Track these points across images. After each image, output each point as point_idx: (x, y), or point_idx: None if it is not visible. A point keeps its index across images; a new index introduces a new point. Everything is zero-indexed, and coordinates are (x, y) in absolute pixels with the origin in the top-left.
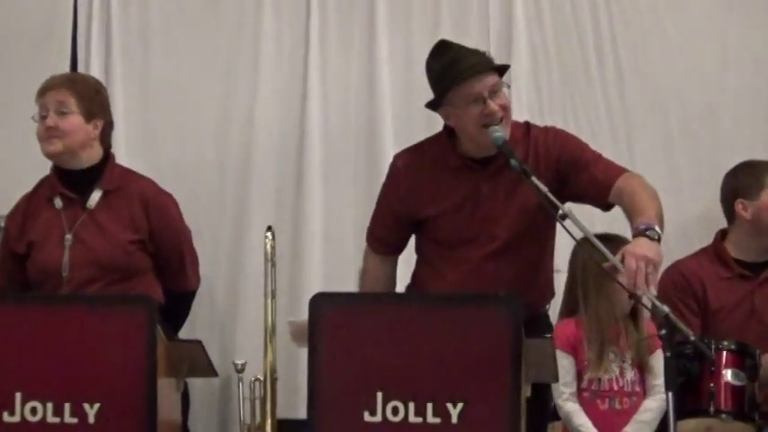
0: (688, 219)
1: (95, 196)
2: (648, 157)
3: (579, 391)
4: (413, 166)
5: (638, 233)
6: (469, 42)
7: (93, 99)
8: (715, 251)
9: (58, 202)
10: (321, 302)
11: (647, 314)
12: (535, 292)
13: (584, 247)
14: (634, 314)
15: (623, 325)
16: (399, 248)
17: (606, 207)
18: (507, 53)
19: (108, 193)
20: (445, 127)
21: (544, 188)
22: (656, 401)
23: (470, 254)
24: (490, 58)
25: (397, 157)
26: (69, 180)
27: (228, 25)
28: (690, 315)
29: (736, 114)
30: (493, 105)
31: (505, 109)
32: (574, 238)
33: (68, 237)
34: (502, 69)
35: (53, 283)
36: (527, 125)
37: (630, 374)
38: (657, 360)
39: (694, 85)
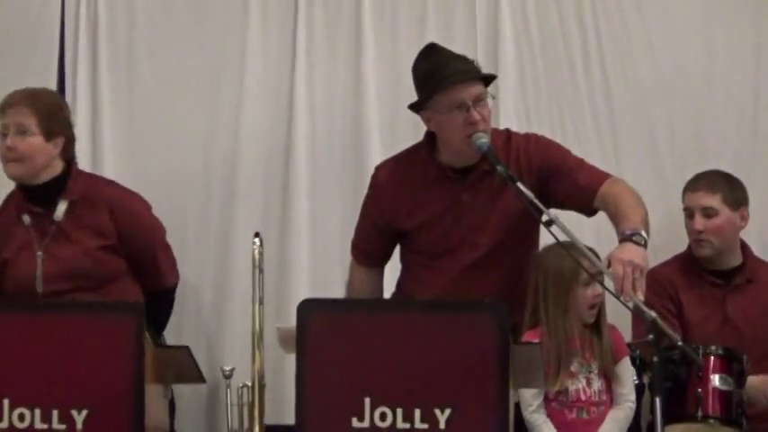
0: (674, 223)
1: (61, 208)
2: (634, 162)
3: (547, 401)
4: (394, 178)
5: (624, 238)
6: (456, 49)
7: (54, 117)
8: (687, 258)
9: (27, 219)
10: (309, 308)
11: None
12: (519, 299)
13: (570, 251)
14: (598, 324)
15: (587, 335)
16: (384, 259)
17: (591, 212)
18: (494, 59)
19: (74, 203)
20: (426, 136)
21: (530, 194)
22: (623, 411)
23: (453, 264)
24: (478, 67)
25: (378, 168)
26: (34, 195)
27: (215, 34)
28: (671, 318)
29: (722, 120)
30: (475, 114)
31: (486, 120)
32: (560, 243)
33: (39, 253)
34: (488, 79)
35: (28, 298)
36: (508, 133)
37: (597, 384)
38: (624, 369)
39: (680, 91)
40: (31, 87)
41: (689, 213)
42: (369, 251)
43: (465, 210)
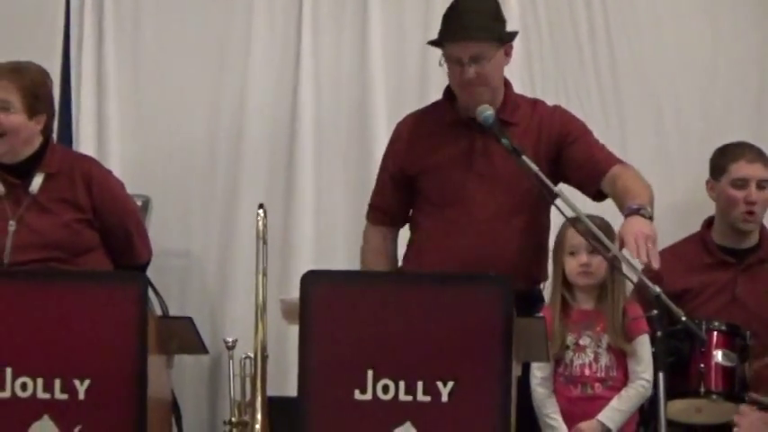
0: (678, 201)
1: (37, 180)
2: (639, 139)
3: (556, 375)
4: (413, 127)
5: (631, 212)
6: None
7: (38, 93)
8: (700, 238)
9: (0, 189)
10: (312, 280)
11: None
12: (527, 263)
13: (575, 226)
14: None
15: (602, 308)
16: (398, 217)
17: (596, 192)
18: None
19: (50, 176)
20: (448, 85)
21: (535, 167)
22: (634, 389)
23: (465, 215)
24: (488, 22)
25: (400, 122)
26: (10, 168)
27: (221, 5)
28: None
29: (727, 97)
30: (468, 73)
31: (483, 77)
32: (566, 217)
33: (12, 223)
34: (504, 36)
35: None
36: (535, 102)
37: (605, 360)
38: (640, 346)
39: (686, 69)
40: (16, 61)
41: (741, 184)
42: (384, 206)
43: (478, 157)
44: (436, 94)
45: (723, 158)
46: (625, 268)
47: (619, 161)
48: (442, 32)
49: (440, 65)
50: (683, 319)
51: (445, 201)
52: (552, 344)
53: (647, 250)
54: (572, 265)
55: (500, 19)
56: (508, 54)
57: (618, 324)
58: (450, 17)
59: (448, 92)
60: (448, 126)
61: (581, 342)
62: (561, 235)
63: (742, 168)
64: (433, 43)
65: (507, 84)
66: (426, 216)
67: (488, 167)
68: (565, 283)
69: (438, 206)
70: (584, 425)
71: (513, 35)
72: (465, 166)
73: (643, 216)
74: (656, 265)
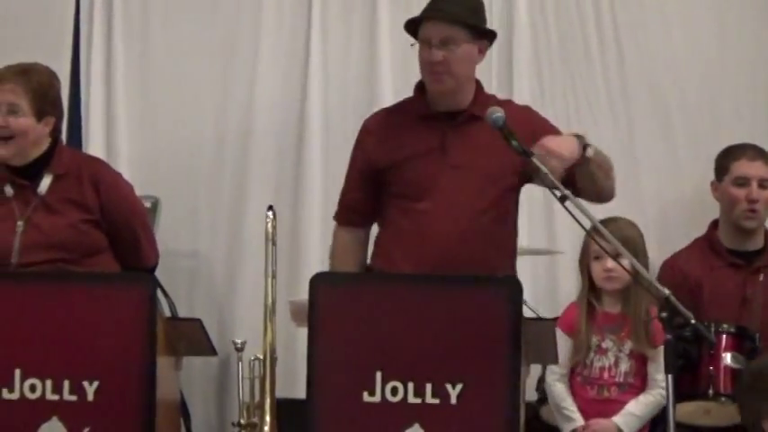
0: (685, 200)
1: (46, 181)
2: (648, 139)
3: (573, 375)
4: (382, 123)
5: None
6: None
7: (46, 95)
8: (708, 241)
9: (9, 190)
10: (321, 282)
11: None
12: (497, 258)
13: (593, 237)
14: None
15: (628, 313)
16: (367, 216)
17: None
18: (509, 35)
19: (59, 177)
20: (419, 81)
21: (545, 168)
22: (652, 396)
23: (436, 209)
24: (465, 12)
25: (368, 118)
26: (19, 170)
27: (229, 5)
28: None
29: (735, 96)
30: (434, 55)
31: (448, 63)
32: (577, 220)
33: (20, 224)
34: (478, 28)
35: (2, 269)
36: (507, 101)
37: (626, 365)
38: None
39: (694, 67)
40: (24, 63)
41: (743, 182)
42: (353, 205)
43: (448, 150)
44: None
45: (725, 158)
46: (642, 275)
47: None
48: (420, 15)
49: (411, 45)
50: (693, 321)
51: (417, 194)
52: (579, 347)
53: (551, 152)
54: (597, 270)
55: (479, 14)
56: (482, 53)
57: (641, 328)
58: (430, 2)
59: (419, 86)
60: (419, 119)
61: (603, 345)
62: (587, 239)
63: (743, 167)
64: (408, 29)
65: (479, 83)
66: (397, 211)
67: (461, 160)
68: (592, 286)
69: (410, 199)
70: (600, 422)
71: (489, 34)
72: (438, 159)
73: (574, 135)
74: (555, 173)
